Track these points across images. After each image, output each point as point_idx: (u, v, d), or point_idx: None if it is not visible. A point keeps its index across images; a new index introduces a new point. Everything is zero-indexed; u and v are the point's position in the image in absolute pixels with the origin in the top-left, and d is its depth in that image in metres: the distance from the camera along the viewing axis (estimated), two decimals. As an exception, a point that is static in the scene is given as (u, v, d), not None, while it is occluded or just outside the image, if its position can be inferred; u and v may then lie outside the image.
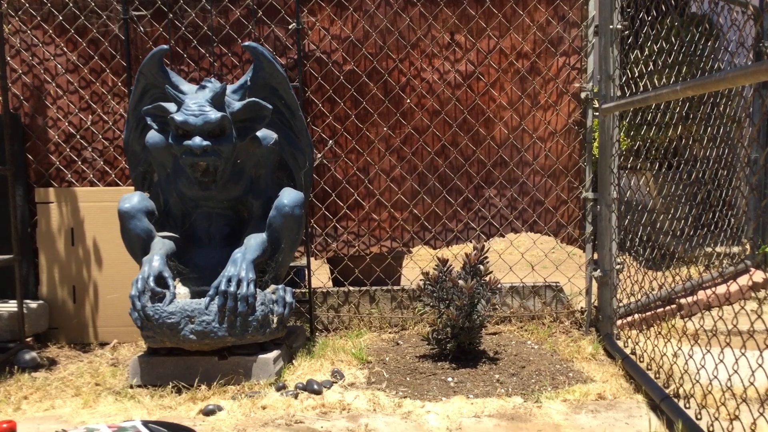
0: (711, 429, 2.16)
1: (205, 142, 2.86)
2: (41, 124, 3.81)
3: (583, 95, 3.64)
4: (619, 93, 3.29)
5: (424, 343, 3.39)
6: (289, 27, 3.68)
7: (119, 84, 3.79)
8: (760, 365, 1.87)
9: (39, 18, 3.76)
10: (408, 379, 3.00)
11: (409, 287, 3.80)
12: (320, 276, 4.01)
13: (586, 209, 3.62)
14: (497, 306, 3.78)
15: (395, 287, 3.85)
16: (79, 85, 3.81)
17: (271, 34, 3.72)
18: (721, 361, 2.13)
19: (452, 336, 3.20)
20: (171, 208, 3.21)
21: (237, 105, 3.00)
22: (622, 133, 3.78)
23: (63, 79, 3.80)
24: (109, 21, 3.75)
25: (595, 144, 3.70)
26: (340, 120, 3.76)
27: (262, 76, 3.16)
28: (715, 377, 2.21)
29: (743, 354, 1.97)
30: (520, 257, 3.84)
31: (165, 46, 3.14)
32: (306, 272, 3.76)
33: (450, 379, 2.97)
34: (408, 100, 3.75)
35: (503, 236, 3.87)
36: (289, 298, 3.10)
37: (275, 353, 3.00)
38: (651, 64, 3.63)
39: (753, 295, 3.94)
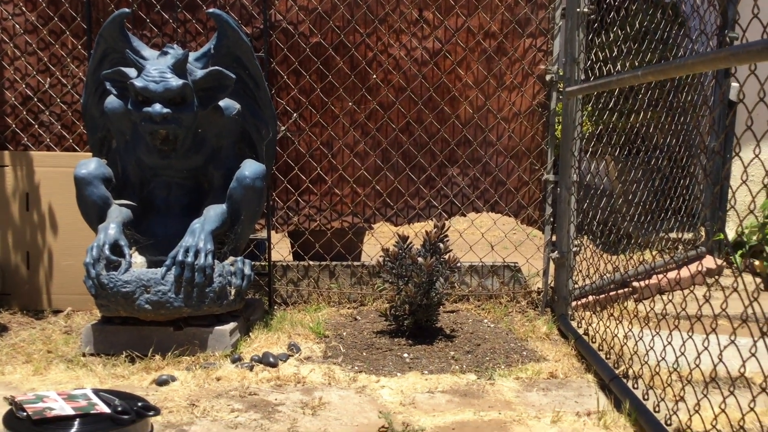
0: (657, 409, 2.21)
1: (166, 110, 2.81)
2: (-3, 85, 3.71)
3: (548, 77, 3.66)
4: (583, 77, 3.31)
5: (382, 319, 3.40)
6: (256, -4, 3.63)
7: (79, 47, 3.70)
8: (706, 348, 1.92)
9: (-4, -25, 3.65)
10: (364, 354, 3.01)
11: (369, 263, 3.81)
12: (281, 250, 3.99)
13: (547, 191, 3.65)
14: (456, 284, 3.81)
15: (355, 263, 3.85)
16: (37, 47, 3.71)
17: (237, 2, 3.67)
18: (669, 343, 2.18)
19: (410, 313, 3.22)
20: (129, 175, 3.16)
21: (199, 73, 2.95)
22: (585, 118, 3.81)
23: (21, 39, 3.69)
24: (69, -19, 3.66)
25: (558, 127, 3.73)
26: (305, 93, 3.73)
27: (226, 45, 3.11)
28: (663, 359, 2.26)
29: (690, 337, 2.02)
30: (481, 237, 3.87)
31: (126, 10, 3.07)
32: (266, 245, 3.75)
33: (406, 355, 2.99)
34: (374, 76, 3.73)
35: (464, 215, 3.90)
36: (247, 271, 3.08)
37: (232, 325, 2.98)
38: (616, 49, 3.66)
39: (705, 280, 4.03)
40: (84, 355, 2.89)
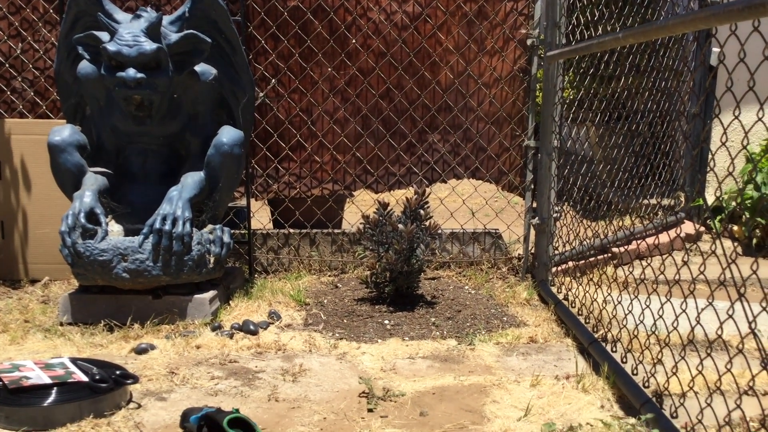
0: (635, 371, 2.23)
1: (140, 75, 2.75)
2: (-34, 51, 3.61)
3: (529, 42, 3.62)
4: (564, 41, 3.28)
5: (363, 286, 3.40)
6: (232, -42, 3.55)
7: (51, 11, 3.60)
8: (684, 311, 1.93)
9: (-38, -64, 3.53)
10: (345, 321, 3.01)
11: (350, 231, 3.79)
12: (260, 217, 3.96)
13: (528, 157, 3.64)
14: (437, 251, 3.81)
15: (336, 230, 3.83)
16: (8, 11, 3.61)
17: (212, -36, 3.58)
18: (648, 307, 2.20)
19: (391, 280, 3.22)
20: (104, 142, 3.10)
21: (174, 37, 2.89)
22: (566, 84, 3.79)
23: (-10, 3, 3.60)
24: (39, -57, 3.55)
25: (539, 92, 3.71)
26: (284, 58, 3.67)
27: (201, 8, 3.04)
28: (641, 323, 2.27)
29: (668, 300, 2.03)
30: (461, 204, 3.86)
31: (98, -28, 2.98)
32: (246, 213, 3.71)
33: (387, 321, 2.99)
34: (353, 41, 3.68)
35: (445, 182, 3.88)
36: (226, 239, 3.06)
37: (211, 293, 2.97)
38: (597, 12, 3.63)
39: (684, 245, 4.06)
40: (62, 324, 2.86)
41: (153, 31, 2.78)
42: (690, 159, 4.32)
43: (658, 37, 1.96)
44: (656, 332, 2.23)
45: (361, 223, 3.26)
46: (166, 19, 2.98)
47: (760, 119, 1.45)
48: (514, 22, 3.68)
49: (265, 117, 3.70)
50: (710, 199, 4.56)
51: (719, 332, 1.79)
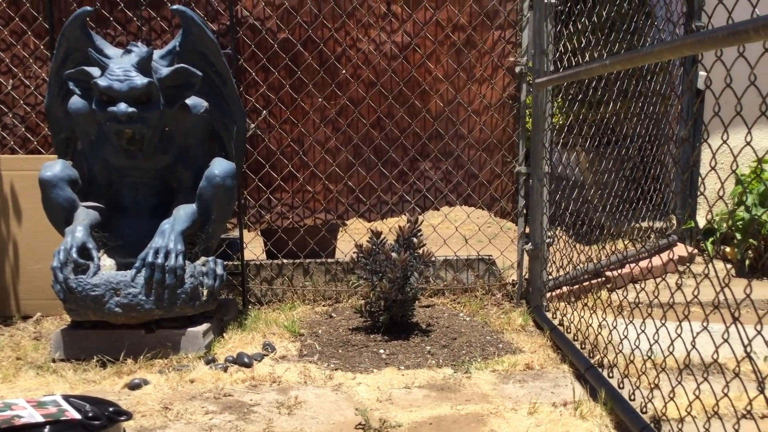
0: (632, 397, 2.22)
1: (131, 109, 2.76)
2: (-43, 88, 3.62)
3: (517, 69, 3.66)
4: (552, 68, 3.31)
5: (357, 315, 3.38)
6: (222, -8, 3.58)
7: (41, 47, 3.62)
8: (679, 335, 1.93)
9: (-47, -26, 3.55)
10: (340, 351, 2.99)
11: (343, 260, 3.78)
12: (254, 248, 3.95)
13: (519, 183, 3.66)
14: (430, 279, 3.81)
15: (329, 260, 3.82)
16: (-2, 48, 3.62)
17: (202, -2, 3.61)
18: (643, 331, 2.19)
19: (385, 308, 3.21)
20: (96, 176, 3.10)
21: (165, 71, 2.90)
22: (555, 109, 3.82)
23: (-20, 40, 3.61)
24: (30, -20, 3.57)
25: (529, 119, 3.73)
26: (274, 89, 3.69)
27: (191, 42, 3.06)
28: (637, 347, 2.27)
29: (663, 325, 2.03)
30: (454, 231, 3.87)
31: (88, 8, 3.01)
32: (238, 244, 3.70)
33: (382, 351, 2.98)
34: (343, 71, 3.70)
35: (438, 209, 3.88)
36: (219, 270, 3.05)
37: (205, 326, 2.95)
38: (584, 39, 3.67)
39: (676, 268, 4.07)
40: (54, 360, 2.84)
41: (144, 66, 2.80)
42: (680, 183, 4.35)
43: (645, 64, 1.98)
44: (652, 357, 2.22)
45: (354, 252, 3.26)
46: (156, 53, 3.00)
47: (748, 143, 1.46)
48: (503, 50, 3.72)
49: (256, 148, 3.71)
50: (701, 221, 4.58)
51: (715, 356, 1.78)
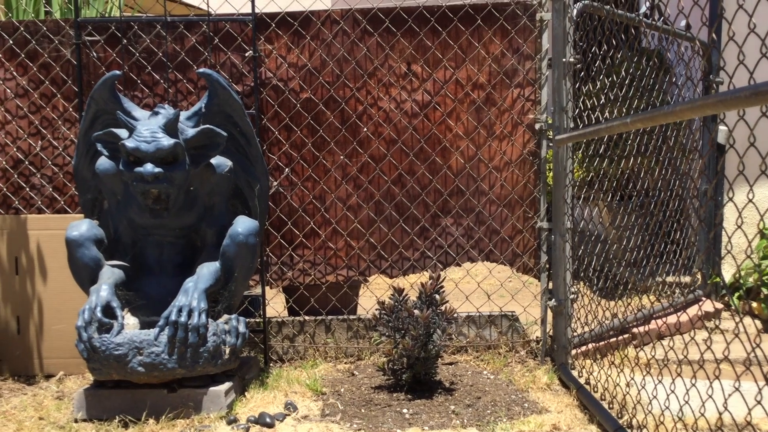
0: (663, 460, 2.16)
1: (157, 169, 2.81)
2: (-12, 149, 3.71)
3: (537, 126, 3.69)
4: (572, 124, 3.33)
5: (380, 373, 3.35)
6: (246, 54, 3.67)
7: (70, 109, 3.71)
8: (710, 396, 1.88)
9: (-12, 41, 3.68)
10: (363, 410, 2.96)
11: (365, 317, 3.77)
12: (275, 305, 3.95)
13: (541, 239, 3.64)
14: (453, 336, 3.77)
15: (351, 317, 3.81)
16: (28, 110, 3.72)
17: (227, 61, 3.70)
18: (673, 391, 2.15)
19: (408, 366, 3.17)
20: (121, 235, 3.14)
21: (191, 132, 2.96)
22: (576, 165, 3.83)
23: (12, 103, 3.71)
24: (61, 45, 3.69)
25: (550, 174, 3.74)
26: (297, 148, 3.74)
27: (216, 103, 3.13)
28: (667, 407, 2.22)
29: (694, 384, 1.99)
30: (477, 286, 3.85)
31: (117, 72, 3.09)
32: (260, 301, 3.71)
33: (405, 410, 2.94)
34: (365, 129, 3.75)
35: (459, 265, 3.87)
36: (242, 328, 3.04)
37: (227, 385, 2.93)
38: (603, 96, 3.70)
39: (703, 324, 4.00)
40: (76, 420, 2.83)
41: (170, 127, 2.86)
42: (705, 240, 4.31)
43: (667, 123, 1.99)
44: (683, 417, 2.17)
45: (376, 309, 3.25)
46: (183, 115, 3.06)
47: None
48: (522, 107, 3.76)
49: (279, 205, 3.75)
50: (727, 276, 4.52)
51: (748, 417, 1.74)
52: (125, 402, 2.84)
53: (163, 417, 2.78)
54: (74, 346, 2.84)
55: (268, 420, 2.75)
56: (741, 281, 4.34)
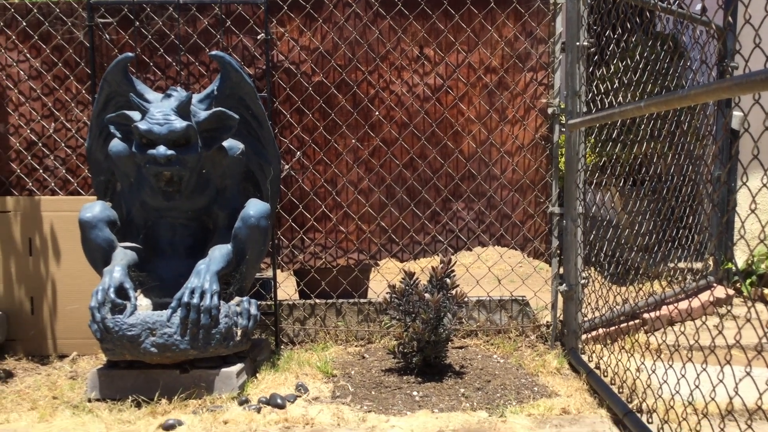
0: (673, 444, 2.17)
1: (170, 152, 2.82)
2: (2, 131, 3.73)
3: (549, 111, 3.67)
4: (585, 109, 3.32)
5: (390, 356, 3.36)
6: (258, 37, 3.66)
7: (83, 91, 3.73)
8: (721, 381, 1.88)
9: (2, 23, 3.69)
10: (373, 393, 2.97)
11: (376, 300, 3.78)
12: (286, 288, 3.97)
13: (553, 224, 3.64)
14: (463, 320, 3.78)
15: (362, 300, 3.82)
16: (42, 92, 3.74)
17: (239, 43, 3.70)
18: (683, 376, 2.15)
19: (418, 350, 3.19)
20: (134, 217, 3.16)
21: (203, 114, 2.96)
22: (588, 150, 3.81)
23: (26, 85, 3.73)
24: (74, 28, 3.70)
25: (562, 159, 3.73)
26: (309, 131, 3.74)
27: (229, 86, 3.13)
28: (677, 392, 2.22)
29: (704, 369, 1.99)
30: (487, 271, 3.85)
31: (130, 54, 3.10)
32: (272, 284, 3.73)
33: (415, 393, 2.95)
34: (377, 112, 3.75)
35: (470, 250, 3.87)
36: (253, 311, 3.06)
37: (238, 366, 2.95)
38: (616, 81, 3.67)
39: (715, 310, 3.99)
40: (90, 400, 2.86)
41: (183, 110, 2.86)
42: (718, 225, 4.29)
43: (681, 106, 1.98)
44: (693, 402, 2.17)
45: (387, 293, 3.26)
46: (195, 97, 3.07)
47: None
48: (534, 91, 3.74)
49: (290, 189, 3.75)
50: (740, 262, 4.50)
51: (759, 402, 1.74)
52: (138, 382, 2.87)
53: (176, 397, 2.81)
54: (87, 327, 2.87)
55: (279, 401, 2.77)
56: (753, 267, 4.32)
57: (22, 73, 3.72)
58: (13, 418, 2.69)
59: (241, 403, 2.76)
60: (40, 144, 3.74)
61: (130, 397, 2.82)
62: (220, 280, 2.94)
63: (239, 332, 2.96)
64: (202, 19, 3.68)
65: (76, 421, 2.63)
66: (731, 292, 4.29)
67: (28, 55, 3.72)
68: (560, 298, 3.51)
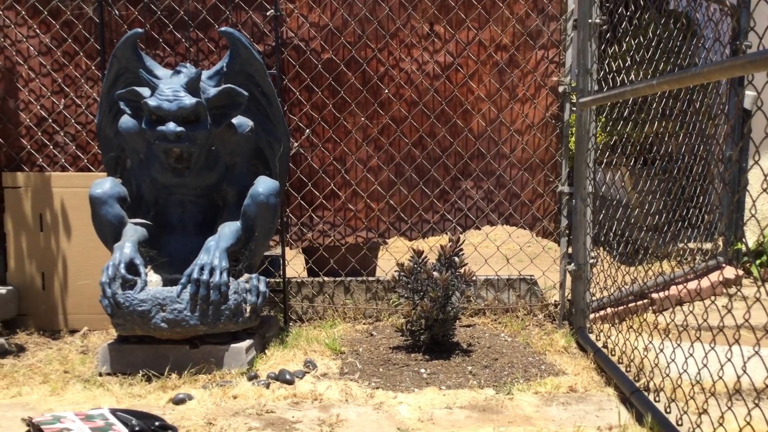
0: (680, 422, 2.17)
1: (179, 128, 2.82)
2: (12, 107, 3.74)
3: (560, 89, 3.65)
4: (596, 87, 3.29)
5: (398, 334, 3.38)
6: (267, 14, 3.64)
7: (93, 67, 3.72)
8: (729, 360, 1.88)
9: (11, -2, 3.68)
10: (381, 370, 2.99)
11: (384, 278, 3.79)
12: (295, 266, 3.99)
13: (562, 203, 3.63)
14: (471, 298, 3.79)
15: (370, 278, 3.83)
16: (51, 68, 3.74)
17: (248, 20, 3.68)
18: (691, 355, 2.15)
19: (426, 328, 3.20)
20: (144, 194, 3.17)
21: (212, 91, 2.96)
22: (599, 129, 3.79)
23: (35, 61, 3.73)
24: (83, 3, 3.68)
25: (572, 138, 3.71)
26: (318, 109, 3.73)
27: (238, 63, 3.12)
28: (685, 371, 2.22)
29: (713, 348, 1.99)
30: (496, 250, 3.85)
31: (139, 30, 3.09)
32: (281, 262, 3.74)
33: (423, 370, 2.97)
34: (386, 90, 3.73)
35: (479, 228, 3.87)
36: (262, 288, 3.07)
37: (248, 342, 2.97)
38: (629, 59, 3.64)
39: (724, 290, 3.98)
40: (100, 374, 2.89)
41: (192, 86, 2.86)
42: (729, 204, 4.26)
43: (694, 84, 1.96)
44: (701, 381, 2.18)
45: (395, 271, 3.27)
46: (204, 74, 3.06)
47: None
48: (545, 69, 3.71)
49: (299, 166, 3.75)
50: (750, 242, 4.48)
51: (767, 381, 1.74)
52: (148, 357, 2.89)
53: (186, 372, 2.83)
54: (98, 302, 2.90)
55: (287, 377, 2.80)
56: (764, 247, 4.30)
57: (31, 48, 3.72)
58: (25, 392, 2.72)
59: (250, 379, 2.79)
60: (50, 120, 3.75)
61: (140, 372, 2.85)
62: (230, 257, 2.96)
63: (248, 309, 2.98)
64: (211, -5, 3.67)
65: (87, 394, 2.66)
66: (740, 272, 4.28)
67: (37, 30, 3.71)
68: (568, 278, 3.51)
